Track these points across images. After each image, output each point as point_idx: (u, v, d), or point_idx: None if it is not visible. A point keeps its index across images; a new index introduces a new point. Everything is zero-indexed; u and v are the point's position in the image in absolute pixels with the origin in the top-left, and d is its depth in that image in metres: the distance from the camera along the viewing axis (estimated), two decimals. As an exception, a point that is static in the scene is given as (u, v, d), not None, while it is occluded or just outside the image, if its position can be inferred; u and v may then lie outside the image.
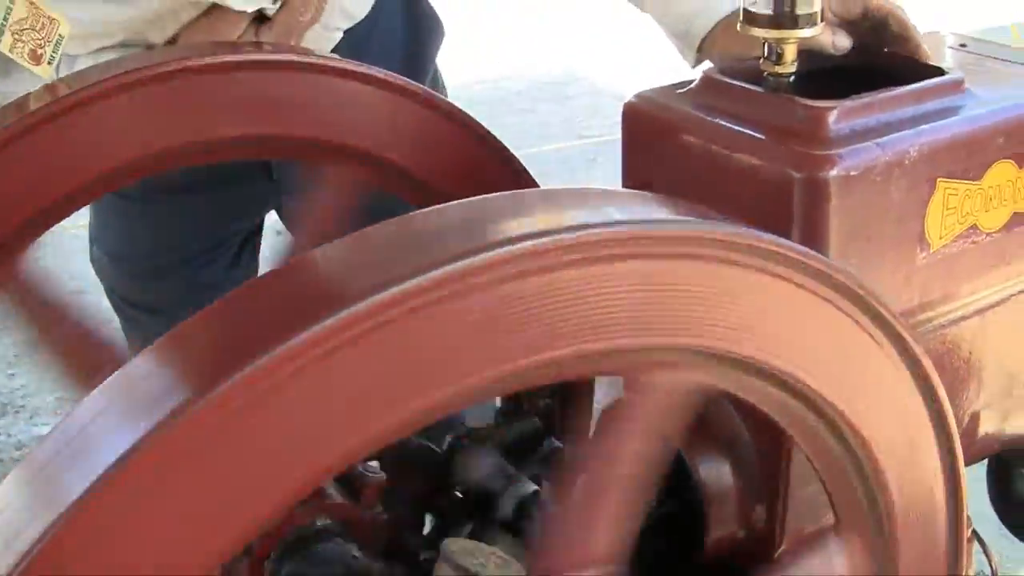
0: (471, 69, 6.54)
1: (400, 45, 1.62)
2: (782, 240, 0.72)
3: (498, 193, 0.70)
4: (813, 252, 0.74)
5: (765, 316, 0.72)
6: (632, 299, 0.66)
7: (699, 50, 1.31)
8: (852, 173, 0.95)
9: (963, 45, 1.29)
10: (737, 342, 0.71)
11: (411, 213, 0.68)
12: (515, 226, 0.64)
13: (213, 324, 0.62)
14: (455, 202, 0.69)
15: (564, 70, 6.74)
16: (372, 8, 1.49)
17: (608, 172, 5.05)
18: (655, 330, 0.67)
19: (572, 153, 5.35)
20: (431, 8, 1.69)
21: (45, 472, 0.57)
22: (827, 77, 1.17)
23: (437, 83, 1.69)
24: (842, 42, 1.16)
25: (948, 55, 1.25)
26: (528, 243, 0.61)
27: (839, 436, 0.82)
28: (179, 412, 0.53)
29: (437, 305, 0.59)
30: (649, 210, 0.73)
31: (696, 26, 1.30)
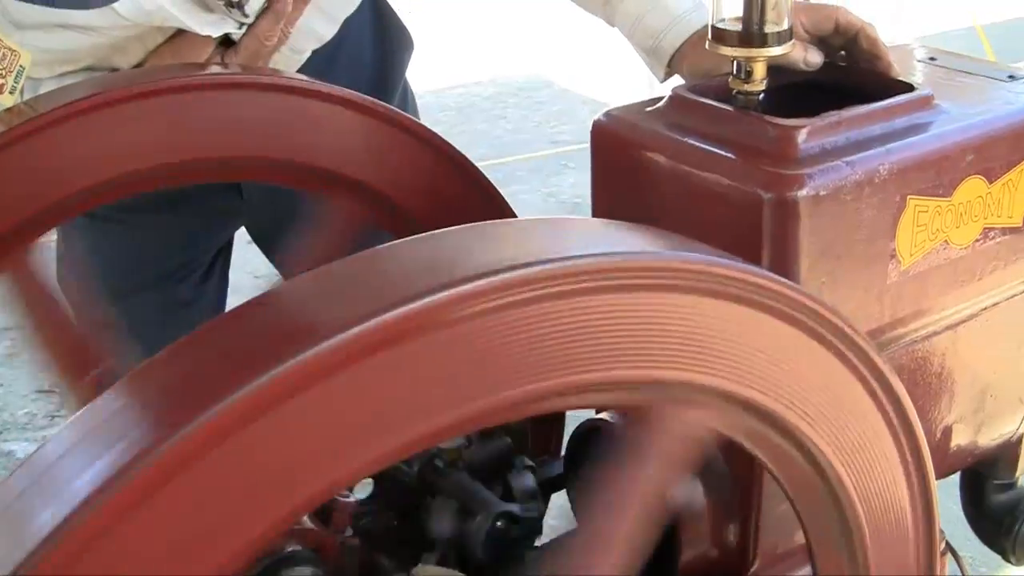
0: (441, 74, 6.53)
1: (369, 60, 1.61)
2: (747, 267, 0.71)
3: (468, 225, 0.69)
4: (778, 277, 0.73)
5: (732, 344, 0.72)
6: (606, 332, 0.65)
7: (668, 65, 1.31)
8: (822, 193, 0.95)
9: (932, 58, 1.29)
10: (708, 372, 0.71)
11: (378, 247, 0.66)
12: (488, 260, 0.63)
13: (180, 362, 0.60)
14: (425, 235, 0.68)
15: (534, 74, 6.73)
16: (340, 25, 1.48)
17: (581, 179, 5.06)
18: (628, 362, 0.67)
19: (544, 161, 5.34)
20: (400, 22, 1.68)
21: (11, 511, 0.56)
22: (798, 92, 1.17)
23: (407, 97, 1.68)
24: (813, 58, 1.16)
25: (918, 69, 1.25)
26: (501, 276, 0.60)
27: (809, 458, 0.82)
28: (141, 457, 0.52)
29: (409, 343, 0.58)
30: (616, 239, 0.72)
31: (665, 42, 1.30)
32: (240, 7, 1.24)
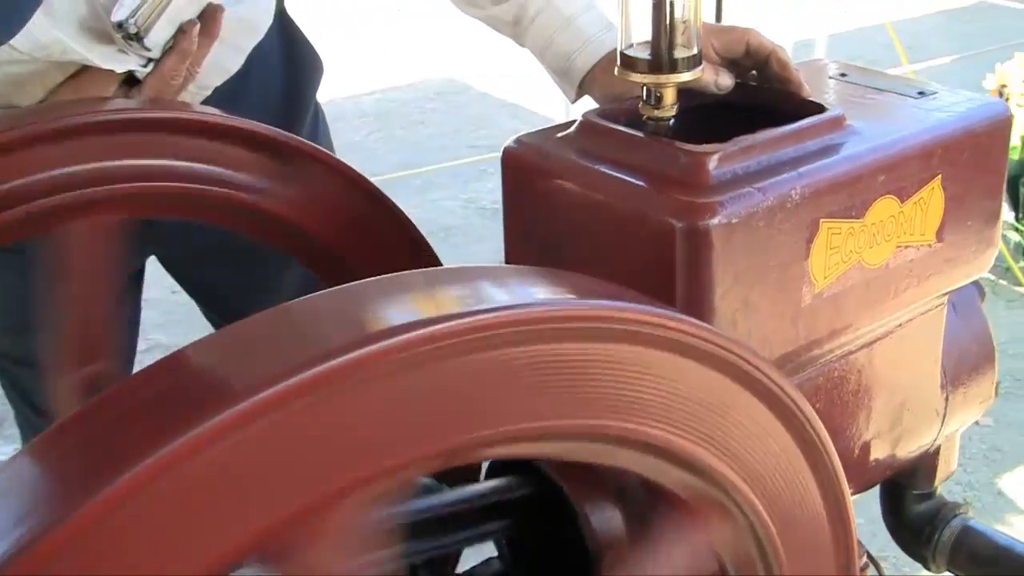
0: (358, 80, 6.51)
1: (278, 86, 1.58)
2: (646, 309, 0.70)
3: (383, 277, 0.67)
4: (685, 317, 0.72)
5: (638, 385, 0.70)
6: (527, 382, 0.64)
7: (579, 87, 1.30)
8: (734, 220, 0.94)
9: (843, 75, 1.29)
10: (626, 419, 0.70)
11: (286, 304, 0.64)
12: (400, 314, 0.62)
13: (84, 430, 0.58)
14: (334, 289, 0.67)
15: (452, 79, 6.73)
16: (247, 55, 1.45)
17: (500, 185, 5.04)
18: (547, 413, 0.65)
19: (464, 167, 5.33)
20: (309, 46, 1.65)
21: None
22: (711, 113, 1.16)
23: (318, 121, 1.66)
24: (725, 81, 1.16)
25: (829, 87, 1.25)
26: (412, 333, 0.59)
27: (723, 491, 0.81)
28: (36, 539, 0.50)
29: (320, 402, 0.56)
30: (529, 289, 0.71)
31: (576, 64, 1.29)
32: (139, 39, 1.22)
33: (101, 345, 1.15)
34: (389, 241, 1.24)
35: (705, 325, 0.72)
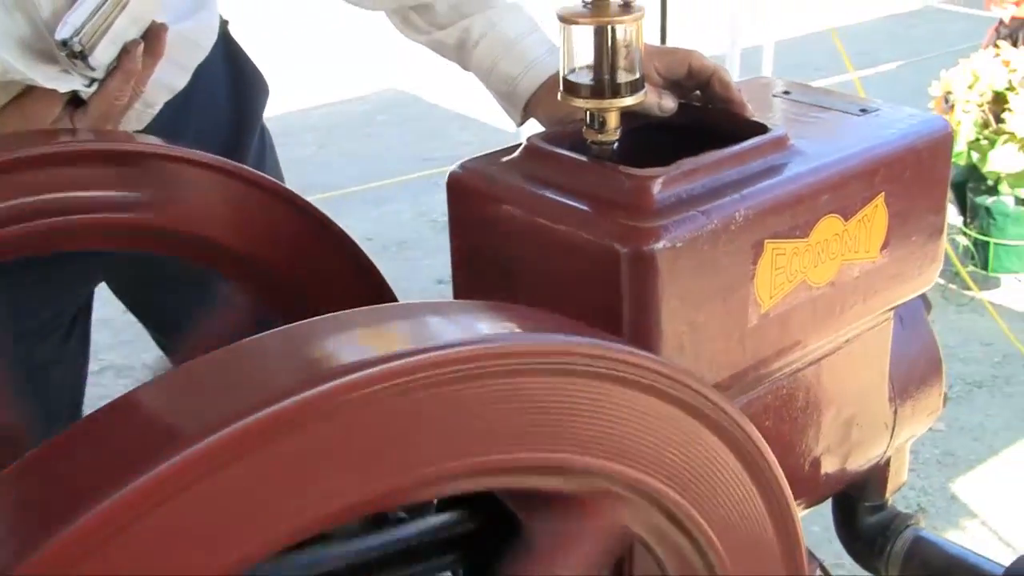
0: (307, 94, 6.50)
1: (224, 109, 1.58)
2: (589, 342, 0.70)
3: (328, 316, 0.67)
4: (633, 350, 0.72)
5: (583, 417, 0.70)
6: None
7: (524, 110, 1.30)
8: (678, 244, 0.94)
9: (787, 92, 1.29)
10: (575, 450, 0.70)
11: (236, 344, 0.64)
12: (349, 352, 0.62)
13: (33, 477, 0.58)
14: (279, 330, 0.66)
15: (402, 91, 6.73)
16: (192, 74, 1.44)
17: (451, 196, 5.04)
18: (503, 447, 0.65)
19: (414, 181, 5.33)
20: (254, 68, 1.64)
21: None
22: (657, 133, 1.17)
23: (264, 143, 1.65)
24: (668, 104, 1.16)
25: (772, 105, 1.25)
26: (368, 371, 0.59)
27: (670, 516, 0.81)
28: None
29: (272, 443, 0.56)
30: (474, 324, 0.71)
31: (520, 88, 1.29)
32: (84, 58, 1.21)
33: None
34: (325, 256, 1.24)
35: (644, 354, 0.71)
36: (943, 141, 1.21)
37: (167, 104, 1.42)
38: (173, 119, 1.42)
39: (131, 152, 1.13)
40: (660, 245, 0.93)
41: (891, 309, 1.25)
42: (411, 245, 4.69)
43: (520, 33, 1.31)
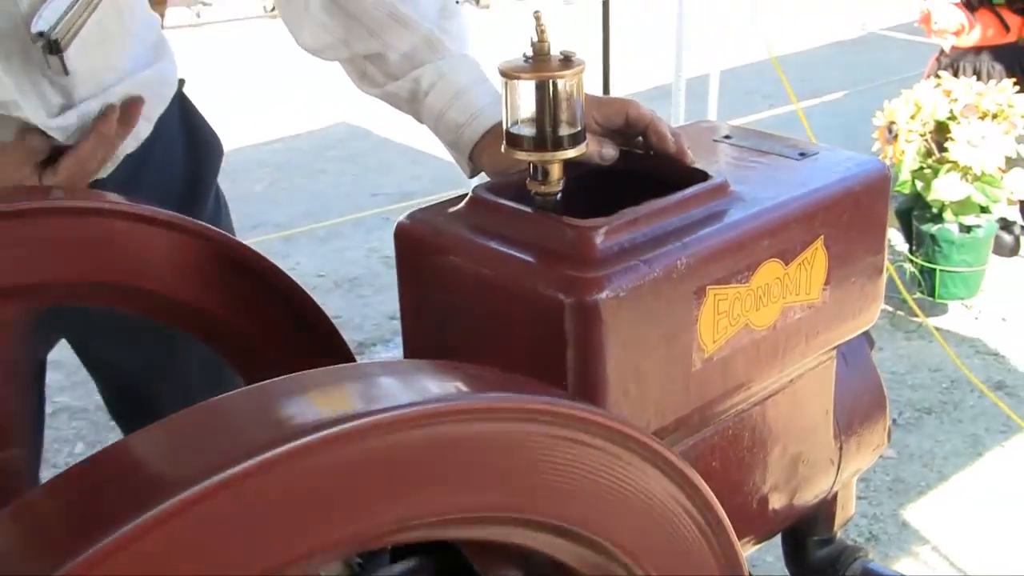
0: (258, 130, 6.50)
1: (180, 167, 1.60)
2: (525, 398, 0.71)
3: (289, 377, 0.69)
4: (577, 403, 0.74)
5: (536, 472, 0.72)
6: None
7: (471, 159, 1.32)
8: (621, 294, 0.96)
9: (728, 137, 1.32)
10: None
11: (204, 403, 0.66)
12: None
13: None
14: (243, 391, 0.68)
15: (353, 125, 6.73)
16: (152, 130, 1.47)
17: (402, 231, 5.04)
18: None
19: (366, 217, 5.33)
20: (209, 127, 1.67)
21: None
22: (602, 181, 1.18)
23: (219, 202, 1.66)
24: (609, 152, 1.18)
25: (713, 150, 1.27)
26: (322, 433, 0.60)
27: (618, 563, 0.83)
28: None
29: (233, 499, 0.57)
30: (424, 384, 0.72)
31: (465, 136, 1.30)
32: (58, 52, 1.22)
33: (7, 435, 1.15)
34: (273, 306, 1.25)
35: (583, 406, 0.73)
36: (880, 183, 1.24)
37: (125, 158, 1.43)
38: (131, 173, 1.43)
39: (80, 208, 1.14)
40: (603, 295, 0.95)
41: (834, 348, 1.28)
42: (363, 282, 4.69)
43: (468, 84, 1.32)
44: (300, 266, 4.59)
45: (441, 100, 1.32)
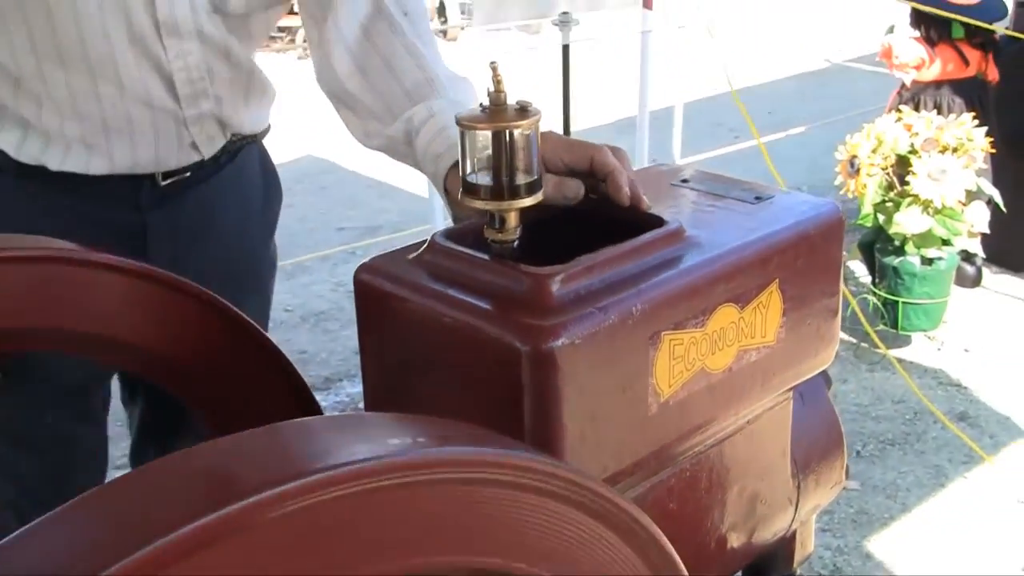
0: (225, 164, 6.48)
1: (257, 201, 1.80)
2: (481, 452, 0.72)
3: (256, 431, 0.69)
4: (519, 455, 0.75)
5: (488, 521, 0.73)
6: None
7: (447, 191, 1.32)
8: (577, 341, 0.97)
9: (685, 180, 1.33)
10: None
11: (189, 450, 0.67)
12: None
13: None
14: (235, 437, 0.69)
15: (320, 158, 6.73)
16: (235, 160, 1.68)
17: (369, 265, 5.05)
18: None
19: (331, 253, 5.33)
20: (276, 174, 1.87)
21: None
22: (561, 224, 1.19)
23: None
24: (572, 192, 1.18)
25: (671, 195, 1.29)
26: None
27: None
28: None
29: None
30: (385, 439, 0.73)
31: (440, 166, 1.31)
32: None
33: None
34: (240, 354, 1.26)
35: (530, 456, 0.74)
36: (835, 226, 1.26)
37: (207, 192, 1.63)
38: (211, 197, 1.65)
39: (40, 257, 1.14)
40: (559, 343, 0.96)
41: (790, 389, 1.29)
42: (329, 316, 4.69)
43: (452, 120, 1.34)
44: (267, 300, 4.56)
45: (429, 135, 1.34)
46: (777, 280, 1.17)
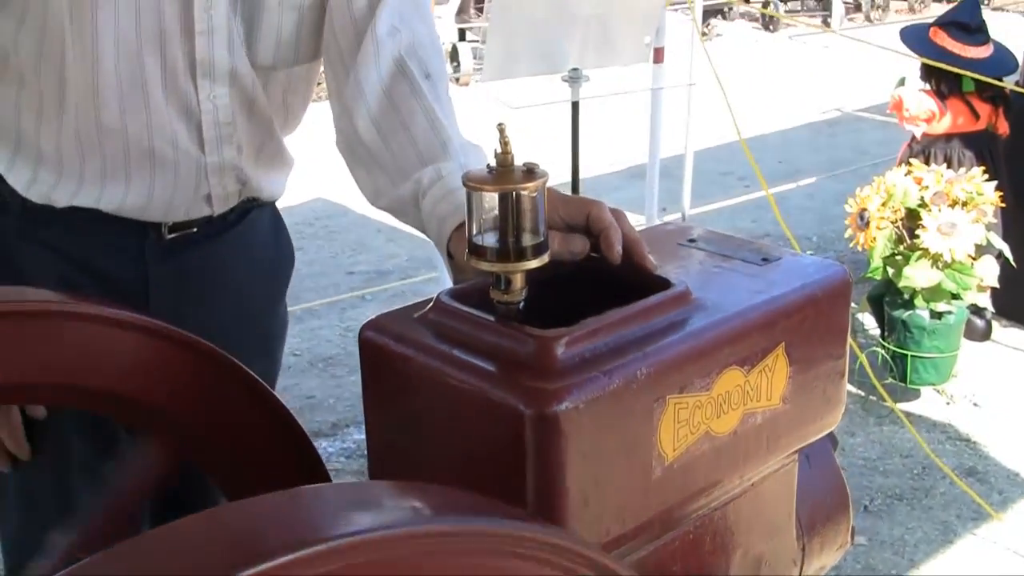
0: (236, 207, 6.49)
1: (264, 275, 1.81)
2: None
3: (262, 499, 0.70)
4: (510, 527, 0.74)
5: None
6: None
7: (450, 254, 1.32)
8: (581, 405, 0.97)
9: (692, 240, 1.33)
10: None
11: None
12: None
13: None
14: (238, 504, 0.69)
15: (330, 202, 6.74)
16: (245, 220, 1.68)
17: (378, 311, 5.05)
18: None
19: (342, 298, 5.33)
20: (288, 238, 1.89)
21: None
22: (568, 283, 1.19)
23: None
24: (579, 247, 1.18)
25: (680, 254, 1.29)
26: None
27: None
28: None
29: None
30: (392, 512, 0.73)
31: (444, 228, 1.32)
32: None
33: None
34: (241, 407, 1.25)
35: (523, 527, 0.74)
36: (842, 288, 1.25)
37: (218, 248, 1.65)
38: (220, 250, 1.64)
39: (33, 311, 1.14)
40: (563, 407, 0.96)
41: (796, 451, 1.28)
42: (337, 361, 4.69)
43: (459, 184, 1.34)
44: (275, 343, 4.56)
45: (435, 196, 1.35)
46: (783, 343, 1.17)
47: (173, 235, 1.60)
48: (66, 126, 1.50)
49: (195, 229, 1.62)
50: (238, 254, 1.70)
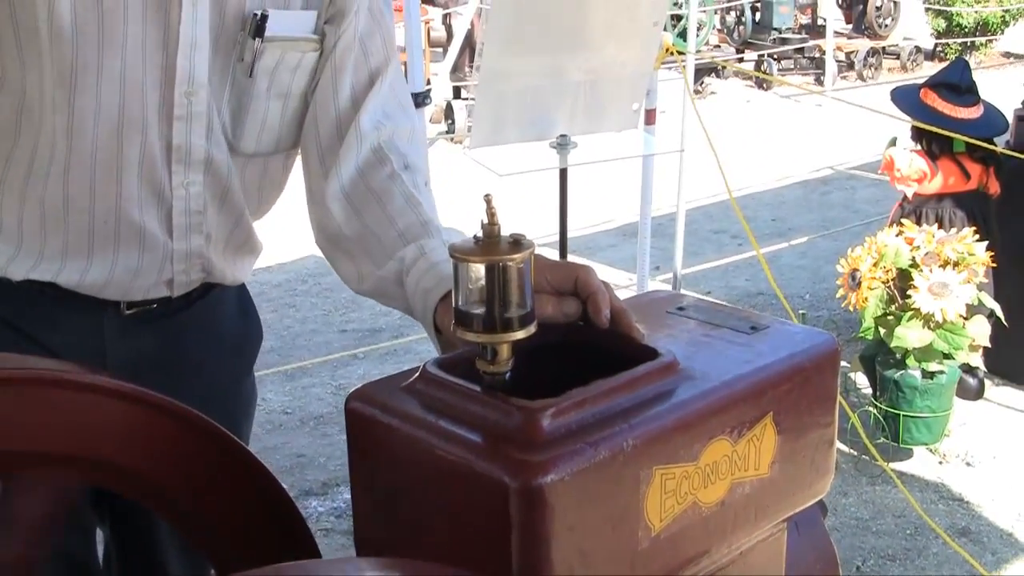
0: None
1: (228, 352, 1.78)
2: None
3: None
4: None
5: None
6: None
7: (436, 326, 1.32)
8: (567, 478, 0.96)
9: (681, 308, 1.33)
10: None
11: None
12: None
13: None
14: None
15: (321, 262, 6.73)
16: (207, 297, 1.68)
17: (371, 369, 5.07)
18: None
19: (334, 357, 5.33)
20: (256, 315, 1.86)
21: None
22: (555, 352, 1.19)
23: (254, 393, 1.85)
24: (572, 309, 1.19)
25: (667, 323, 1.29)
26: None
27: None
28: None
29: None
30: None
31: (429, 300, 1.32)
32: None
33: None
34: (233, 482, 1.24)
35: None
36: (830, 357, 1.25)
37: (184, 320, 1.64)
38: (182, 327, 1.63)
39: (22, 378, 1.13)
40: (548, 479, 0.96)
41: (784, 520, 1.28)
42: (328, 420, 4.67)
43: (444, 258, 1.34)
44: (266, 403, 4.58)
45: (419, 271, 1.35)
46: (771, 413, 1.17)
47: (131, 311, 1.60)
48: (30, 198, 1.49)
49: (155, 306, 1.62)
50: (199, 331, 1.69)
